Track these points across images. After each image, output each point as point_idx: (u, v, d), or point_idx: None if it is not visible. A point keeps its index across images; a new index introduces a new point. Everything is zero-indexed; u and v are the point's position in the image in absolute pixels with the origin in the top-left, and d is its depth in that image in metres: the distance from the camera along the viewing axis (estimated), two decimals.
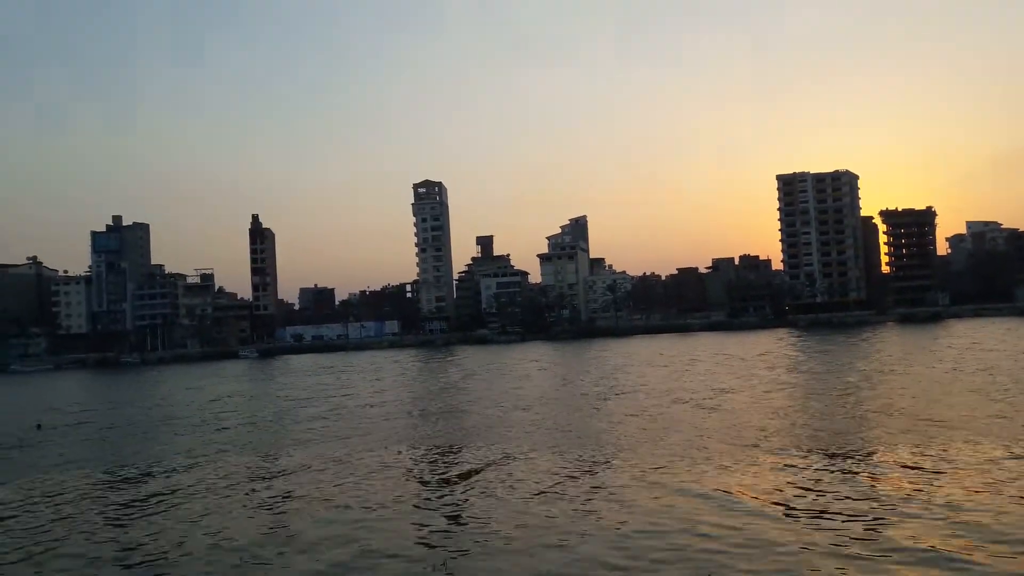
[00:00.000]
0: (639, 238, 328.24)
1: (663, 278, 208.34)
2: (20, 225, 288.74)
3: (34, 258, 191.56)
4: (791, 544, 14.40)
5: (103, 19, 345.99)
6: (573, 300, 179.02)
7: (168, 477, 25.65)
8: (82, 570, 15.62)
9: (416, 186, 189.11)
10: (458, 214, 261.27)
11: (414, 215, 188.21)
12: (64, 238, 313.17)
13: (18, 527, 19.49)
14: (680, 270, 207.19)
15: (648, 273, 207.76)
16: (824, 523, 15.73)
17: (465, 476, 22.96)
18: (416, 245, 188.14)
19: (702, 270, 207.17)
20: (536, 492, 19.93)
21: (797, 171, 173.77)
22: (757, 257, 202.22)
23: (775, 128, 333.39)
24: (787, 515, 16.49)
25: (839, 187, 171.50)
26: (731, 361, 64.75)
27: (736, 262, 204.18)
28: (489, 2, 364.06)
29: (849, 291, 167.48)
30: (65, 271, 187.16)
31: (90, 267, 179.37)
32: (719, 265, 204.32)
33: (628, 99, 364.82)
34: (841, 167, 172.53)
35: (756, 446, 24.66)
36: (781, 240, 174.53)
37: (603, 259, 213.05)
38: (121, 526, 19.15)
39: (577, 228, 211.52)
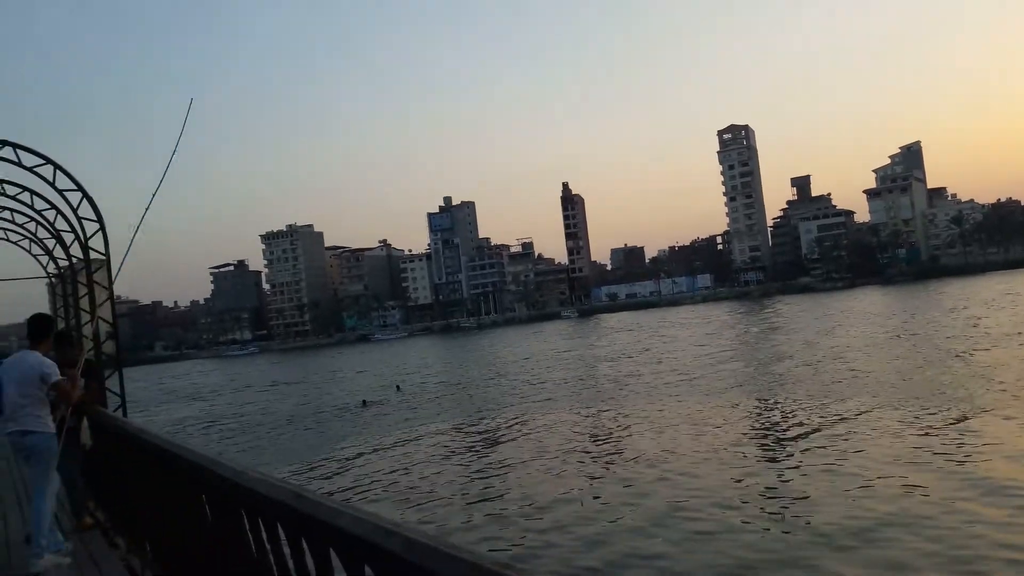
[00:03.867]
0: (989, 159, 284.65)
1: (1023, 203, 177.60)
2: (372, 214, 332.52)
3: (384, 241, 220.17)
4: None
5: (421, 18, 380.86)
6: (910, 238, 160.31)
7: (508, 435, 27.45)
8: (435, 507, 17.24)
9: (721, 132, 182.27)
10: (768, 157, 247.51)
11: (720, 163, 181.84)
12: (406, 221, 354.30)
13: (377, 475, 22.17)
14: None
15: (1004, 199, 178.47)
16: None
17: (800, 434, 21.41)
18: (724, 194, 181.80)
19: None
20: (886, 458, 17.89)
21: None
22: None
23: None
24: None
25: None
26: None
27: None
28: None
29: None
30: (409, 250, 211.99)
31: (429, 245, 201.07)
32: None
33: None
34: None
35: None
36: None
37: (944, 188, 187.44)
38: (467, 478, 20.84)
39: (910, 156, 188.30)
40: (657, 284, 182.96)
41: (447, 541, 1.44)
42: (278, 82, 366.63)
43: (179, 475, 3.83)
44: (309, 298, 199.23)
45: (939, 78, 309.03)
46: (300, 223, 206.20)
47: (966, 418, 20.47)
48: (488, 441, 26.02)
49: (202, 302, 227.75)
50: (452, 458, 23.65)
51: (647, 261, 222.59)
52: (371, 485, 20.88)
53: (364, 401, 41.41)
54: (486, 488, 19.01)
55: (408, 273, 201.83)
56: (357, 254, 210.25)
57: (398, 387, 47.84)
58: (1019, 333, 38.17)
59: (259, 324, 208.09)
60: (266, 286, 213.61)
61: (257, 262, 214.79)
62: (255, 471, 2.61)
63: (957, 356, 32.87)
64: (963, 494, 14.08)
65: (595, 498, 16.85)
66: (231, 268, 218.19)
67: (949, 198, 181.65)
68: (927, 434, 19.21)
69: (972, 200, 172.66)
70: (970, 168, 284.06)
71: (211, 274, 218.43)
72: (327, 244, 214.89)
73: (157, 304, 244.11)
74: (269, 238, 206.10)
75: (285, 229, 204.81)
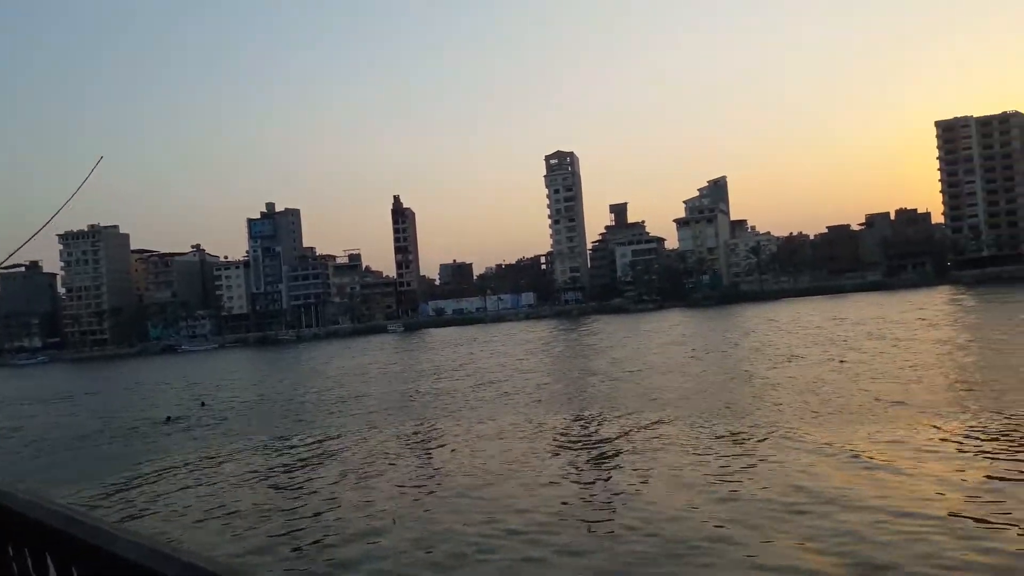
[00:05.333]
0: (784, 196, 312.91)
1: (812, 237, 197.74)
2: (184, 216, 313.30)
3: (197, 246, 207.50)
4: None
5: (245, 16, 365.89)
6: (713, 265, 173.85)
7: (316, 453, 26.98)
8: (234, 531, 16.71)
9: (548, 157, 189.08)
10: (591, 183, 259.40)
11: (546, 186, 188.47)
12: (223, 226, 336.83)
13: (174, 496, 21.11)
14: (830, 228, 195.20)
15: (795, 233, 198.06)
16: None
17: (604, 446, 22.74)
18: (549, 217, 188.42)
19: (855, 227, 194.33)
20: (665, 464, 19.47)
21: (958, 115, 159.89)
22: (915, 211, 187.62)
23: (930, 71, 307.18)
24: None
25: (1007, 130, 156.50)
26: (883, 322, 60.77)
27: (892, 217, 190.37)
28: None
29: (1022, 243, 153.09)
30: (225, 257, 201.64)
31: (248, 252, 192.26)
32: (873, 221, 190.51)
33: (766, 51, 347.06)
34: (1009, 108, 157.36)
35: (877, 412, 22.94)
36: (942, 191, 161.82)
37: (745, 220, 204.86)
38: (269, 499, 20.31)
39: (716, 190, 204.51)
40: (484, 300, 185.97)
41: (228, 565, 1.40)
42: (84, 71, 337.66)
43: None
44: (110, 304, 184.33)
45: (745, 118, 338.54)
46: (104, 223, 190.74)
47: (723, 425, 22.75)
48: (295, 460, 25.41)
49: None
50: (255, 478, 22.92)
51: (475, 278, 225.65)
52: (166, 508, 19.82)
53: (168, 417, 39.00)
54: (289, 510, 18.59)
55: (223, 281, 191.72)
56: (166, 259, 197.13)
57: (203, 402, 45.44)
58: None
59: (52, 331, 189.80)
60: (62, 290, 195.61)
61: (52, 263, 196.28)
62: (24, 493, 2.40)
63: (712, 376, 36.25)
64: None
65: (401, 519, 16.84)
66: (22, 269, 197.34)
67: (749, 230, 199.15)
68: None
69: (769, 233, 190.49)
70: (768, 203, 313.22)
71: None
72: (133, 247, 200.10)
73: None
74: (68, 238, 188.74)
75: (86, 229, 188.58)
